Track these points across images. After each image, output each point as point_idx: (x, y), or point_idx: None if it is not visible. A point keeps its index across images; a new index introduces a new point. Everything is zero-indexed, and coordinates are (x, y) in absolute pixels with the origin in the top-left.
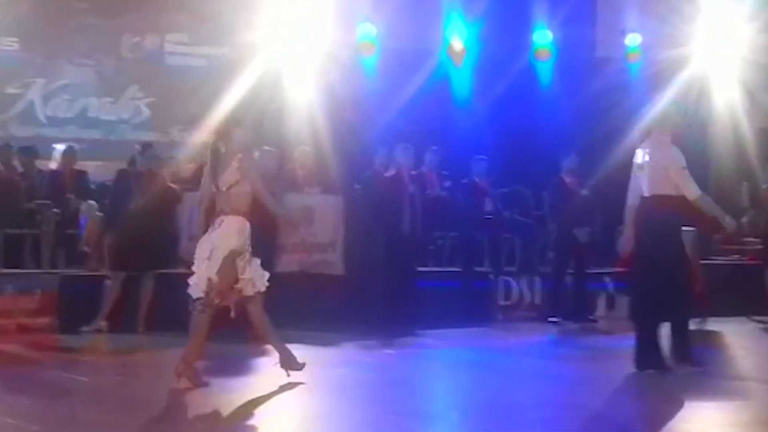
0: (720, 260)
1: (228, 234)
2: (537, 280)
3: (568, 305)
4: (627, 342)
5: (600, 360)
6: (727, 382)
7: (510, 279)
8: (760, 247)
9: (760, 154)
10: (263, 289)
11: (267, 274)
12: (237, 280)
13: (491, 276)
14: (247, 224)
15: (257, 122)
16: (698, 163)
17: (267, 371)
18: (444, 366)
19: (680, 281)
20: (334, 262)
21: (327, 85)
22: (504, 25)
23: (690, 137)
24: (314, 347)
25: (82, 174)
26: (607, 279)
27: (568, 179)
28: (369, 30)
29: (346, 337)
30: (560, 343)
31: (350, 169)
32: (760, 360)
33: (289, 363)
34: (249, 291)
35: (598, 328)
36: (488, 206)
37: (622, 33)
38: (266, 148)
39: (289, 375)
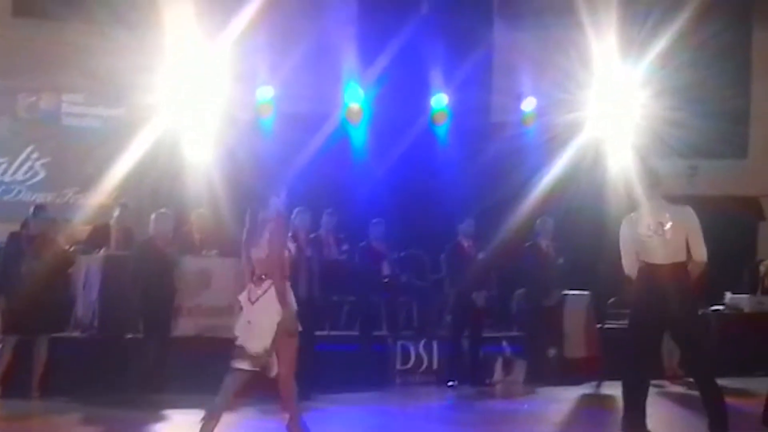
0: (615, 324)
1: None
2: (434, 343)
3: (466, 369)
4: (523, 406)
5: (497, 424)
6: None
7: (407, 343)
8: None
9: None
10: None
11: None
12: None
13: (389, 340)
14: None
15: (155, 184)
16: (594, 227)
17: None
18: (342, 431)
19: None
20: (231, 326)
21: (226, 147)
22: (401, 89)
23: (582, 205)
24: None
25: None
26: (504, 343)
27: (464, 243)
28: (267, 92)
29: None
30: (458, 407)
31: None
32: (655, 423)
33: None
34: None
35: (495, 392)
36: (385, 270)
37: (518, 97)
38: (162, 210)
39: None
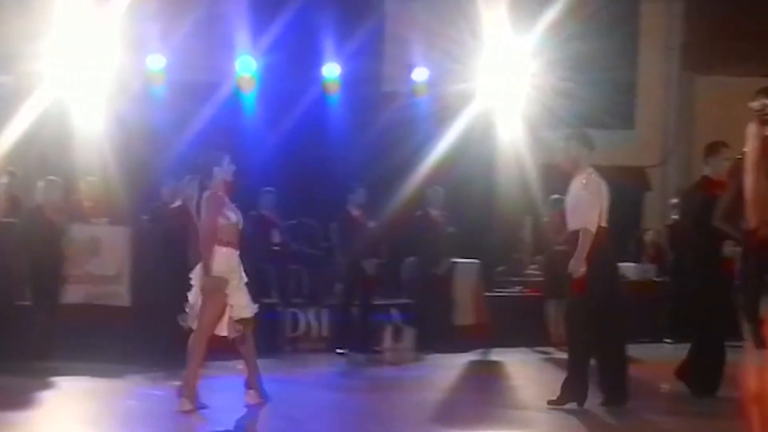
0: (503, 292)
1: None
2: (324, 311)
3: (355, 337)
4: (412, 373)
5: (385, 391)
6: (508, 411)
7: (297, 311)
8: (542, 279)
9: (543, 189)
10: (247, 315)
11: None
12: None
13: (279, 308)
14: (234, 253)
15: (43, 152)
16: (483, 197)
17: (52, 404)
18: (231, 398)
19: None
20: (120, 294)
21: (116, 115)
22: (293, 58)
23: (472, 174)
24: (100, 379)
25: None
26: (394, 311)
27: (355, 212)
28: (158, 61)
29: (133, 369)
30: (347, 374)
31: (138, 200)
32: (540, 390)
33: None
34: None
35: (384, 360)
36: (276, 238)
37: (409, 68)
38: (51, 178)
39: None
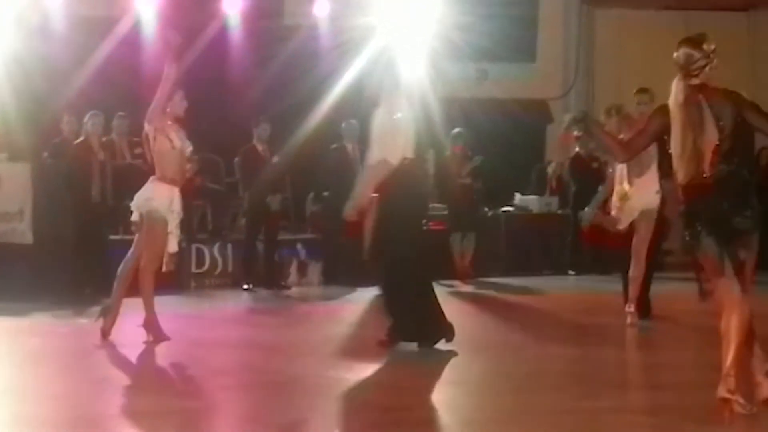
0: None
1: None
2: (229, 246)
3: (261, 272)
4: (319, 307)
5: (293, 325)
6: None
7: (202, 246)
8: (445, 212)
9: (444, 122)
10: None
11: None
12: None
13: (183, 243)
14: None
15: None
16: None
17: None
18: (139, 334)
19: None
20: (22, 231)
21: (13, 51)
22: None
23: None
24: (4, 317)
25: None
26: (299, 246)
27: (259, 147)
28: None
29: (37, 307)
30: (253, 310)
31: (38, 136)
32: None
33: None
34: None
35: (290, 295)
36: None
37: (311, 1)
38: None
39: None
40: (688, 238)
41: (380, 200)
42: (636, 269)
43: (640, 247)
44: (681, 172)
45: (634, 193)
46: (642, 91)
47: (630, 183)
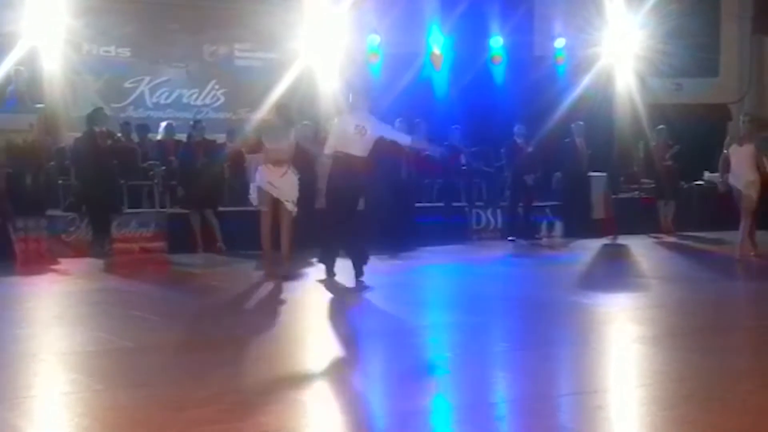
0: (625, 195)
1: None
2: (498, 211)
3: (520, 229)
4: (562, 254)
5: (544, 266)
6: (632, 279)
7: (480, 211)
8: (653, 186)
9: (650, 122)
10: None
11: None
12: None
13: (466, 209)
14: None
15: (298, 103)
16: (605, 129)
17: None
18: (436, 271)
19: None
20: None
21: (344, 79)
22: (468, 33)
23: (600, 112)
24: (347, 260)
25: (179, 143)
26: (547, 210)
27: (518, 140)
28: (375, 40)
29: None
30: (516, 254)
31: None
32: (654, 263)
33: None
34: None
35: (541, 245)
36: (463, 160)
37: (552, 38)
38: (305, 122)
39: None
40: None
41: None
42: None
43: None
44: None
45: None
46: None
47: None
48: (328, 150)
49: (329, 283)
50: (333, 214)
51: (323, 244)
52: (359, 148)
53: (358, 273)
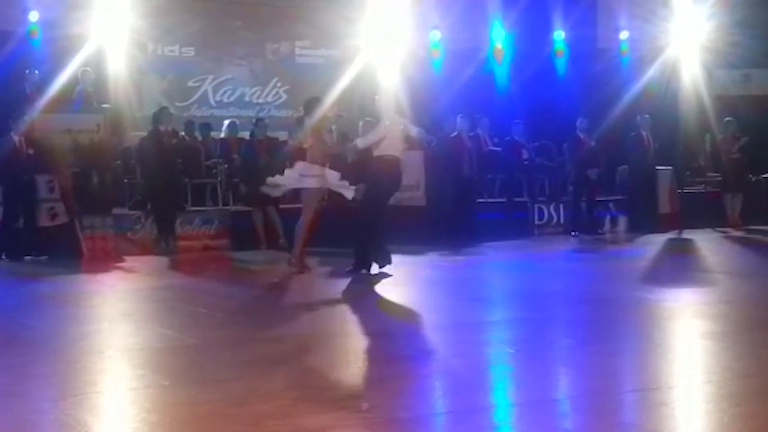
0: (691, 189)
1: None
2: (561, 206)
3: (584, 224)
4: (626, 248)
5: (608, 261)
6: (698, 274)
7: (542, 206)
8: (720, 179)
9: (716, 114)
10: None
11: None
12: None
13: (528, 204)
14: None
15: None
16: (670, 122)
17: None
18: (498, 267)
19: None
20: (419, 197)
21: (406, 76)
22: (531, 27)
23: (664, 105)
24: (408, 256)
25: (242, 141)
26: (611, 205)
27: (581, 135)
28: (436, 36)
29: (429, 249)
30: (579, 250)
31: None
32: (721, 258)
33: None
34: None
35: (605, 240)
36: (525, 155)
37: (616, 30)
38: (367, 118)
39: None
40: None
41: None
42: None
43: None
44: None
45: None
46: None
47: None
48: (377, 152)
49: (383, 277)
50: (379, 215)
51: (368, 241)
52: (401, 149)
53: (371, 264)
